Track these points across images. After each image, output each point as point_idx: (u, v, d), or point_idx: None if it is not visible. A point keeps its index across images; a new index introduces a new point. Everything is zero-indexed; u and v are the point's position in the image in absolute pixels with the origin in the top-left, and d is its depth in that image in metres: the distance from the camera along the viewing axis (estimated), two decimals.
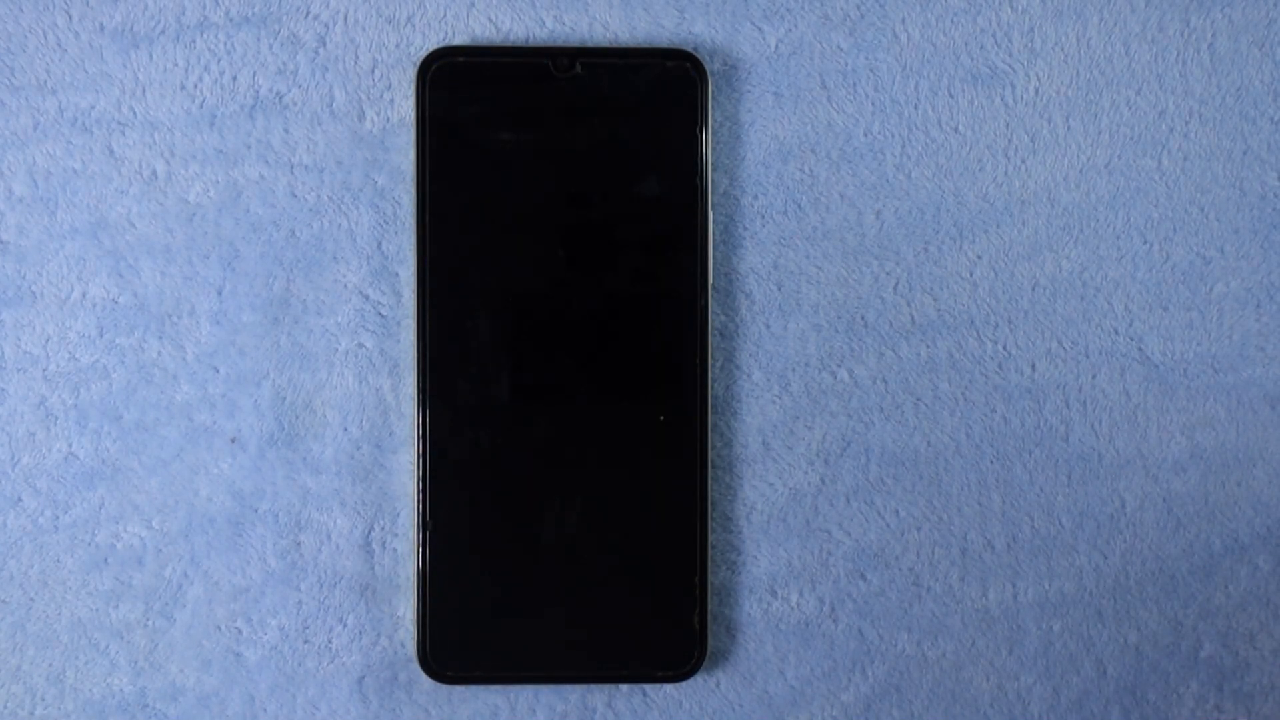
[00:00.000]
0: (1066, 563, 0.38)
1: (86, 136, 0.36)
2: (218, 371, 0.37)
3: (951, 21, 0.37)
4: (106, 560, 0.37)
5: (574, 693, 0.37)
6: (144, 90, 0.36)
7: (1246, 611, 0.38)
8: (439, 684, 0.36)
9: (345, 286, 0.37)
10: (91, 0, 0.36)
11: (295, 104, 0.36)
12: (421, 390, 0.36)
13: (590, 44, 0.36)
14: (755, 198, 0.37)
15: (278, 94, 0.36)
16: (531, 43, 0.36)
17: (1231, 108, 0.37)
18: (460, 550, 0.36)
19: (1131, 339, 0.38)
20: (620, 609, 0.36)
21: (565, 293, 0.35)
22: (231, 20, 0.36)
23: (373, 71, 0.36)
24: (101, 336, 0.36)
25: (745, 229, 0.37)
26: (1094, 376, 0.37)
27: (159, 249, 0.36)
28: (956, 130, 0.37)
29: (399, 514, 0.37)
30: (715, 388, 0.37)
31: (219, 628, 0.37)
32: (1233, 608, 0.38)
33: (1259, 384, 0.38)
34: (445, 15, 0.36)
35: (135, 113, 0.36)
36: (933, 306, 0.37)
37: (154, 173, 0.36)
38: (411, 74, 0.36)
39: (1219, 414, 0.38)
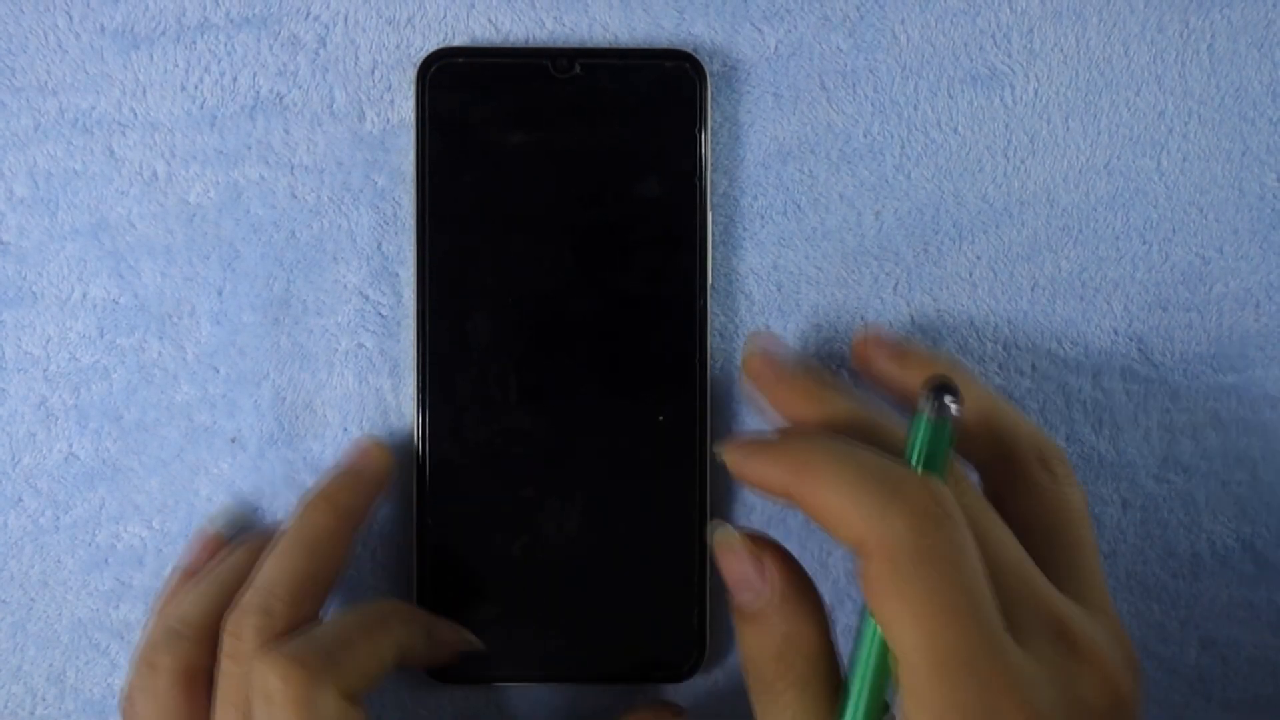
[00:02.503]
0: None
1: (87, 137, 0.36)
2: (218, 372, 0.37)
3: (951, 22, 0.37)
4: (107, 560, 0.37)
5: (574, 693, 0.37)
6: (144, 91, 0.36)
7: (1248, 612, 0.38)
8: (439, 684, 0.36)
9: (345, 287, 0.37)
10: (92, 1, 0.36)
11: (295, 105, 0.36)
12: (421, 390, 0.36)
13: (590, 45, 0.36)
14: (755, 198, 0.37)
15: (278, 95, 0.36)
16: (531, 44, 0.36)
17: (1230, 108, 0.37)
18: (460, 550, 0.36)
19: (1131, 339, 0.38)
20: (620, 609, 0.36)
21: (565, 293, 0.36)
22: (232, 21, 0.36)
23: (373, 72, 0.36)
24: (102, 337, 0.36)
25: (745, 230, 0.37)
26: (1093, 376, 0.37)
27: (159, 250, 0.36)
28: (956, 131, 0.37)
29: (399, 513, 0.37)
30: (715, 388, 0.37)
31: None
32: (1234, 609, 0.38)
33: (1259, 384, 0.38)
34: (445, 16, 0.36)
35: (136, 114, 0.36)
36: (932, 307, 0.37)
37: (154, 174, 0.36)
38: (411, 75, 0.36)
39: (1219, 414, 0.38)
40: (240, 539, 0.35)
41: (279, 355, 0.37)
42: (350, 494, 0.34)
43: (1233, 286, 0.38)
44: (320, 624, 0.31)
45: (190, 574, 0.35)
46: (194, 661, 0.32)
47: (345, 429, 0.37)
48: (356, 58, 0.36)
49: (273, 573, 0.32)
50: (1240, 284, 0.38)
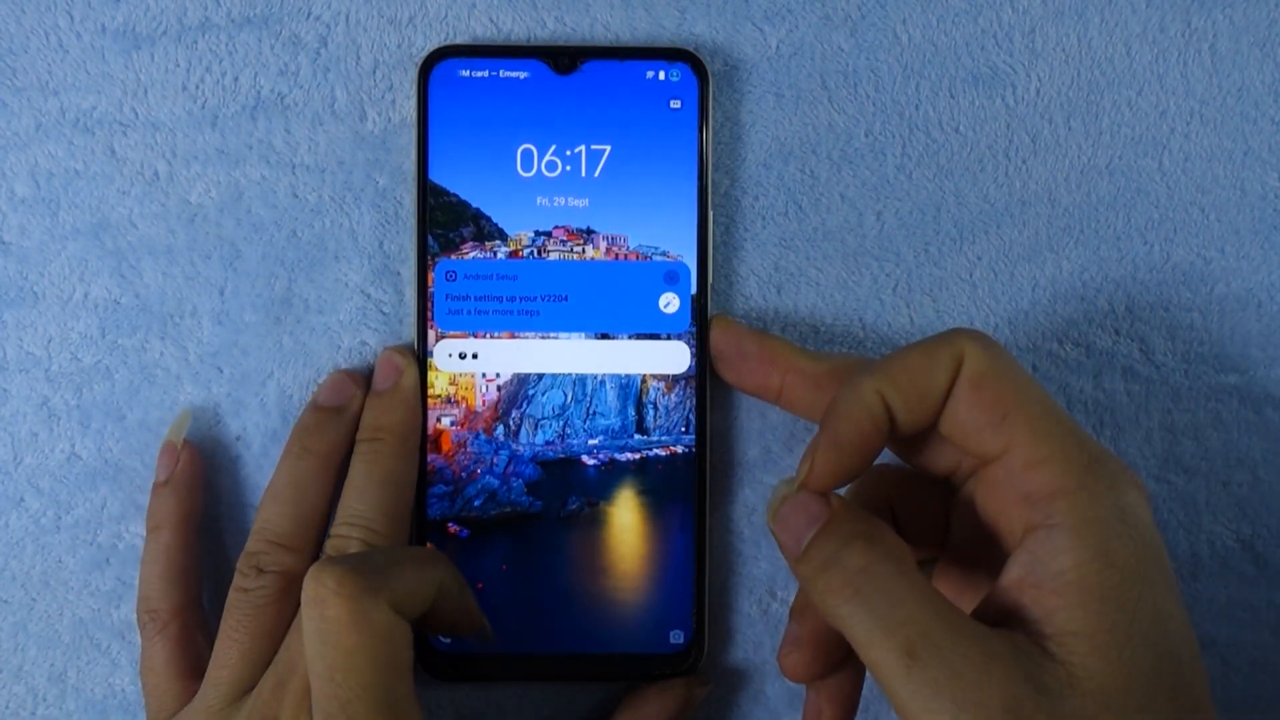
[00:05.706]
0: None
1: (88, 137, 0.36)
2: (221, 371, 0.37)
3: (953, 22, 0.37)
4: (109, 560, 0.37)
5: (573, 692, 0.37)
6: (146, 91, 0.36)
7: (1248, 613, 0.38)
8: (439, 683, 0.36)
9: (347, 285, 0.37)
10: (93, 1, 0.36)
11: (297, 104, 0.36)
12: (422, 389, 0.36)
13: (591, 44, 0.36)
14: (756, 198, 0.37)
15: (279, 95, 0.36)
16: (533, 43, 0.36)
17: (1232, 108, 0.37)
18: (459, 549, 0.36)
19: (1133, 339, 0.37)
20: (620, 609, 0.36)
21: (564, 291, 0.36)
22: (233, 21, 0.36)
23: (374, 72, 0.36)
24: (104, 337, 0.36)
25: (745, 230, 0.37)
26: (1095, 377, 0.37)
27: (161, 249, 0.36)
28: (957, 131, 0.37)
29: None
30: (714, 390, 0.37)
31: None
32: (1235, 609, 0.38)
33: (1260, 384, 0.38)
34: (446, 16, 0.36)
35: (137, 114, 0.36)
36: (932, 308, 0.37)
37: (156, 173, 0.36)
38: (413, 74, 0.36)
39: (1221, 415, 0.38)
40: (309, 447, 0.35)
41: (282, 354, 0.37)
42: (403, 417, 0.35)
43: (1234, 287, 0.38)
44: (371, 549, 0.33)
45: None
46: (294, 570, 0.34)
47: None
48: (358, 57, 0.36)
49: (358, 505, 0.34)
50: (1242, 284, 0.38)
